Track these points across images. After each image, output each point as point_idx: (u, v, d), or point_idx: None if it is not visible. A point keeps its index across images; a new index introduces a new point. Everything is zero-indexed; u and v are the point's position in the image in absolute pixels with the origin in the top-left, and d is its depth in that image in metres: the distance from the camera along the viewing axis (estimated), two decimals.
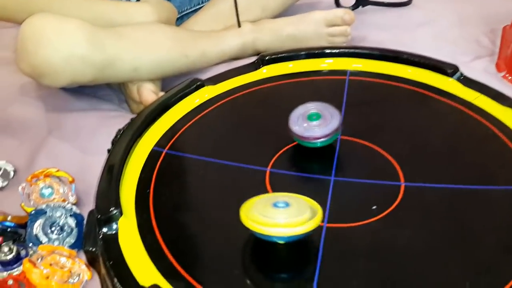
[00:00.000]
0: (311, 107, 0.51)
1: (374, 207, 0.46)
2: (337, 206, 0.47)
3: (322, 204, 0.46)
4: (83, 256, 0.46)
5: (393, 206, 0.46)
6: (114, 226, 0.44)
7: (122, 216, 0.44)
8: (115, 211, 0.44)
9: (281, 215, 0.39)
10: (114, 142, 0.53)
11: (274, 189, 0.49)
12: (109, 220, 0.44)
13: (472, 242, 0.42)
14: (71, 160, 0.58)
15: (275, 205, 0.40)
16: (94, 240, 0.44)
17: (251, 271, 0.41)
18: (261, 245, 0.43)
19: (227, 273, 0.41)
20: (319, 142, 0.50)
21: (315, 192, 0.49)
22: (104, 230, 0.43)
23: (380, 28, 0.83)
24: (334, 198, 0.47)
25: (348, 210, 0.47)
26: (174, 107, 0.59)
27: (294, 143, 0.54)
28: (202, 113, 0.59)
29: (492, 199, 0.46)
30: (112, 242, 0.42)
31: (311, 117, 0.50)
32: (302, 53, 0.67)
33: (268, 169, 0.51)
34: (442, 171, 0.50)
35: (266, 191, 0.48)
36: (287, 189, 0.49)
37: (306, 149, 0.52)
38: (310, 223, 0.39)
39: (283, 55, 0.67)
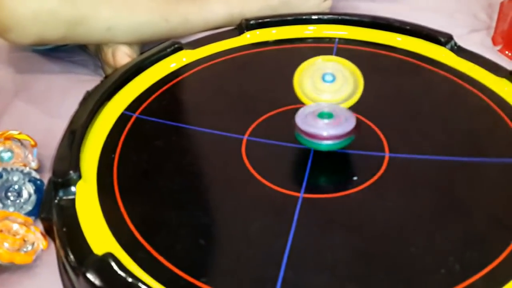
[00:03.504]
0: (324, 106, 0.45)
1: (355, 178, 0.43)
2: (316, 176, 0.43)
3: (300, 174, 0.43)
4: (41, 225, 0.43)
5: (375, 177, 0.43)
6: (72, 191, 0.40)
7: (81, 180, 0.41)
8: (73, 175, 0.40)
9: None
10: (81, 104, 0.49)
11: (250, 158, 0.45)
12: (66, 184, 0.40)
13: (459, 215, 0.39)
14: (37, 124, 0.55)
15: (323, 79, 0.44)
16: (50, 207, 0.40)
17: (217, 243, 0.38)
18: (230, 218, 0.40)
19: (191, 244, 0.38)
20: (324, 144, 0.42)
21: (293, 161, 0.45)
22: (61, 194, 0.40)
23: None
24: (313, 168, 0.44)
25: (328, 180, 0.44)
26: (149, 70, 0.55)
27: (274, 112, 0.50)
28: (179, 78, 0.55)
29: (482, 171, 0.43)
30: (68, 207, 0.39)
31: (322, 116, 0.43)
32: (289, 18, 0.63)
33: (245, 137, 0.47)
34: (431, 142, 0.47)
35: (241, 160, 0.45)
36: (264, 158, 0.46)
37: (287, 118, 0.49)
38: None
39: (269, 20, 0.63)
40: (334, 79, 0.45)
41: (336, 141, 0.42)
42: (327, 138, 0.42)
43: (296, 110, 0.52)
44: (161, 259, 0.36)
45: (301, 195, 0.41)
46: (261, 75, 0.57)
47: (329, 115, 0.43)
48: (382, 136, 0.47)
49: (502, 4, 0.76)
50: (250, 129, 0.48)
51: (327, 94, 0.45)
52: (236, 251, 0.37)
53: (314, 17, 0.63)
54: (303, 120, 0.43)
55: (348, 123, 0.43)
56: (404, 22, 0.60)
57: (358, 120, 0.43)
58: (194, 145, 0.47)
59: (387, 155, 0.45)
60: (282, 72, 0.58)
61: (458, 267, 0.35)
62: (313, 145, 0.43)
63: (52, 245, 0.42)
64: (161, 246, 0.37)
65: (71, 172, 0.40)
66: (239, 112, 0.52)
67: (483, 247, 0.37)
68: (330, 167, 0.45)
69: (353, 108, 0.50)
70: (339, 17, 0.62)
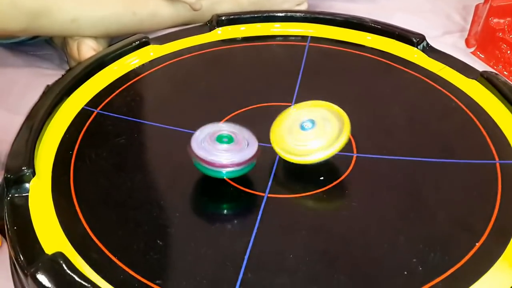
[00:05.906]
0: (224, 128, 0.40)
1: (322, 178, 0.42)
2: (283, 176, 0.43)
3: (266, 174, 0.42)
4: None
5: (342, 178, 0.42)
6: (25, 188, 0.38)
7: (36, 177, 0.39)
8: (26, 171, 0.38)
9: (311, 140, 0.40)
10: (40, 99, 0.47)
11: None
12: (19, 180, 0.38)
13: (424, 217, 0.38)
14: None
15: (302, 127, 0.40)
16: (3, 205, 0.38)
17: (175, 244, 0.37)
18: (191, 218, 0.39)
19: (147, 245, 0.36)
20: (224, 172, 0.38)
21: (260, 161, 0.44)
22: (13, 192, 0.38)
23: None
24: (280, 167, 0.43)
25: (294, 180, 0.43)
26: (113, 64, 0.53)
27: (242, 110, 0.49)
28: (144, 73, 0.54)
29: (449, 173, 0.42)
30: (20, 205, 0.37)
31: (220, 139, 0.39)
32: (261, 15, 0.62)
33: None
34: (399, 143, 0.46)
35: None
36: None
37: (254, 117, 0.48)
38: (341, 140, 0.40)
39: (240, 16, 0.62)
40: (313, 125, 0.40)
41: (238, 168, 0.38)
42: (228, 166, 0.38)
43: (264, 109, 0.51)
44: (114, 259, 0.34)
45: (266, 195, 0.40)
46: (230, 72, 0.56)
47: (230, 139, 0.39)
48: (350, 136, 0.46)
49: (477, 7, 0.76)
50: None
51: (310, 142, 0.40)
52: (195, 252, 0.36)
53: (287, 14, 0.62)
54: (199, 145, 0.38)
55: (250, 148, 0.39)
56: (376, 21, 0.59)
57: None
58: (157, 142, 0.46)
59: (354, 155, 0.44)
60: (252, 70, 0.57)
61: (420, 269, 0.34)
62: (212, 173, 0.38)
63: (6, 244, 0.40)
64: (115, 246, 0.35)
65: (24, 168, 0.39)
66: (205, 110, 0.50)
67: (447, 249, 0.36)
68: (297, 166, 0.44)
69: None
70: (313, 16, 0.61)
